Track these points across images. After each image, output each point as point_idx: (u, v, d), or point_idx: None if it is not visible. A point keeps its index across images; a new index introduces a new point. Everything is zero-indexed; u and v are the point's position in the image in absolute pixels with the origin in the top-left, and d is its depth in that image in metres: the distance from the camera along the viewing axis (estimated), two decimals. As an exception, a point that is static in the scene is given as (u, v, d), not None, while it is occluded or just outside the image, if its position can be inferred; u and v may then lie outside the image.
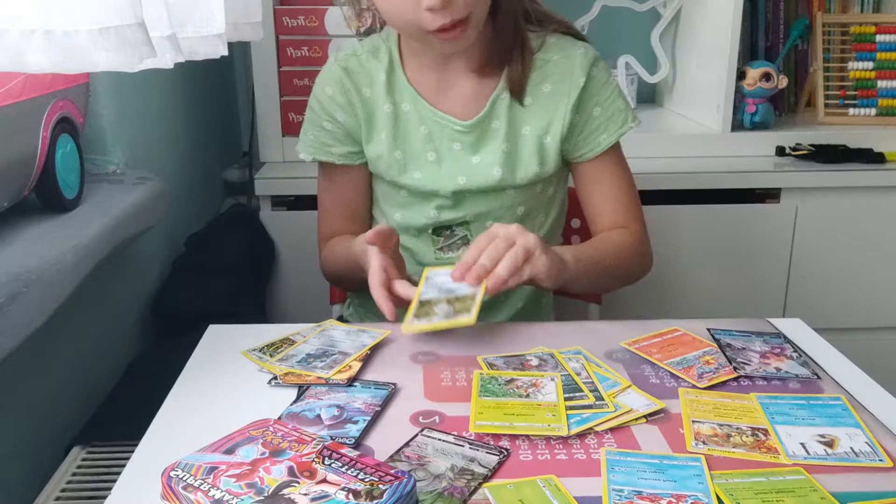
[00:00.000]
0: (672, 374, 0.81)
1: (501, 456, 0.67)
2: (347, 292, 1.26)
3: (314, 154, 1.10)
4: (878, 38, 1.80)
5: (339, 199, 1.14)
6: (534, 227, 1.10)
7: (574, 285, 1.01)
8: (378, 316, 0.91)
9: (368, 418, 0.72)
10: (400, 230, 1.07)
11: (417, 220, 1.10)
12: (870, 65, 1.80)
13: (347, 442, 0.68)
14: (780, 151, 1.68)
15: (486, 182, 1.05)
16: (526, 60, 1.04)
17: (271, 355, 0.85)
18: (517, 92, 1.04)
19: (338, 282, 1.21)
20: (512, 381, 0.78)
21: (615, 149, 1.09)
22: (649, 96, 2.05)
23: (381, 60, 1.07)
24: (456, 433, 0.70)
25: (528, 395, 0.75)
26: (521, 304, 1.13)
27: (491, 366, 0.81)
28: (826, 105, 1.82)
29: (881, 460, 0.67)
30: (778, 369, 0.82)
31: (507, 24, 1.02)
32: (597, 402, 0.74)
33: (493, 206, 1.08)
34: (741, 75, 1.69)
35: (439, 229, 1.10)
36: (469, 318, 0.82)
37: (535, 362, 0.82)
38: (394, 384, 0.79)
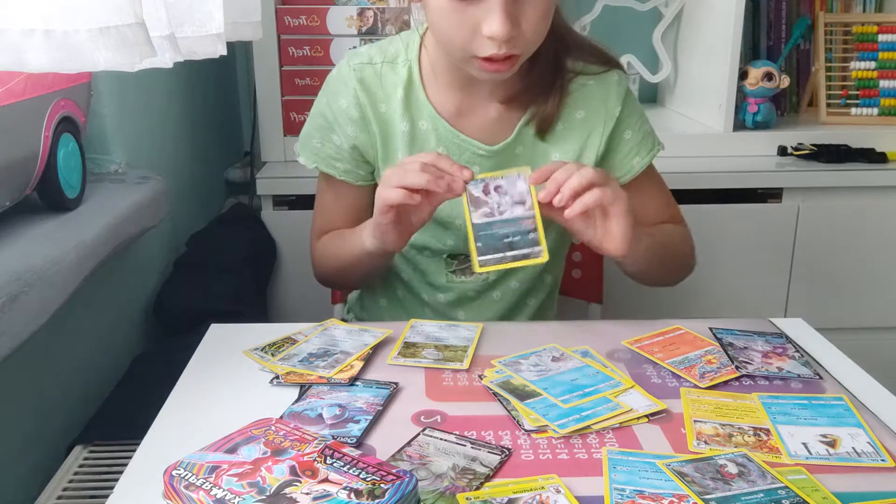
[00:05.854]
0: (674, 374, 0.81)
1: (503, 455, 0.67)
2: (345, 291, 1.20)
3: (316, 162, 1.04)
4: (881, 37, 1.80)
5: (342, 202, 1.07)
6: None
7: (638, 261, 0.96)
8: (377, 318, 0.90)
9: (370, 418, 0.72)
10: (414, 249, 1.06)
11: (434, 244, 1.05)
12: (872, 64, 1.80)
13: (349, 441, 0.68)
14: (782, 151, 1.68)
15: None
16: (561, 101, 1.00)
17: (273, 354, 0.85)
18: (544, 129, 1.00)
19: (336, 275, 1.10)
20: None
21: (650, 168, 1.07)
22: (651, 96, 2.05)
23: (398, 74, 1.00)
24: (457, 433, 0.70)
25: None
26: (536, 307, 1.10)
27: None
28: (828, 105, 1.82)
29: (883, 460, 0.67)
30: (780, 369, 0.82)
31: (546, 61, 0.96)
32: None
33: None
34: (743, 75, 1.69)
35: (456, 254, 1.06)
36: (461, 365, 0.83)
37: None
38: (395, 384, 0.79)
